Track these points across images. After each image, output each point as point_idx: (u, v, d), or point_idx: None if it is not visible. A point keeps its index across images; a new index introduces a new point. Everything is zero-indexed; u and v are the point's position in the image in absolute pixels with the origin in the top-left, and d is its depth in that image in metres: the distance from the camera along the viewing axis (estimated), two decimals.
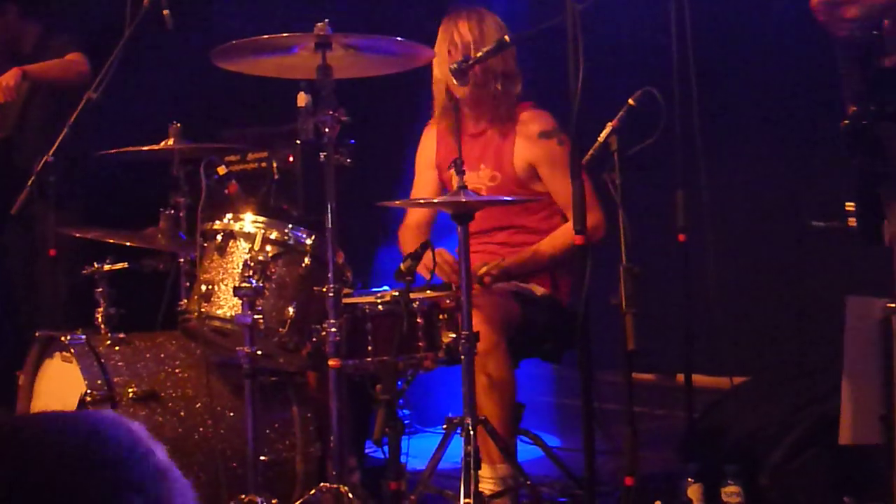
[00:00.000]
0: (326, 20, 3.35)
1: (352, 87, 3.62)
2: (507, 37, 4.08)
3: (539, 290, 4.31)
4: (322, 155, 3.37)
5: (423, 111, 4.58)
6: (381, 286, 3.96)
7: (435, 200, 4.00)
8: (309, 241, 3.66)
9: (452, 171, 3.67)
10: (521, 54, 4.43)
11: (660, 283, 3.95)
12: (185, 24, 4.59)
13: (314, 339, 3.57)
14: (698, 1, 3.87)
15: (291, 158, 4.74)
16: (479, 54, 4.06)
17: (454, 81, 4.16)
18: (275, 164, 4.74)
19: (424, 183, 4.64)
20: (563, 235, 4.26)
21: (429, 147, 4.61)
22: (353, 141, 3.44)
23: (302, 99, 3.40)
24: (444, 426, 3.66)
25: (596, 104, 3.58)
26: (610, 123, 3.66)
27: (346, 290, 3.57)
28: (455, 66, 4.06)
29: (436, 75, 4.40)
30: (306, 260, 3.64)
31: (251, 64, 3.63)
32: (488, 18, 4.33)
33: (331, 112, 3.35)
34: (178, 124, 3.99)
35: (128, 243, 4.06)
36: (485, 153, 4.38)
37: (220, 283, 3.62)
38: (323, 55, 3.37)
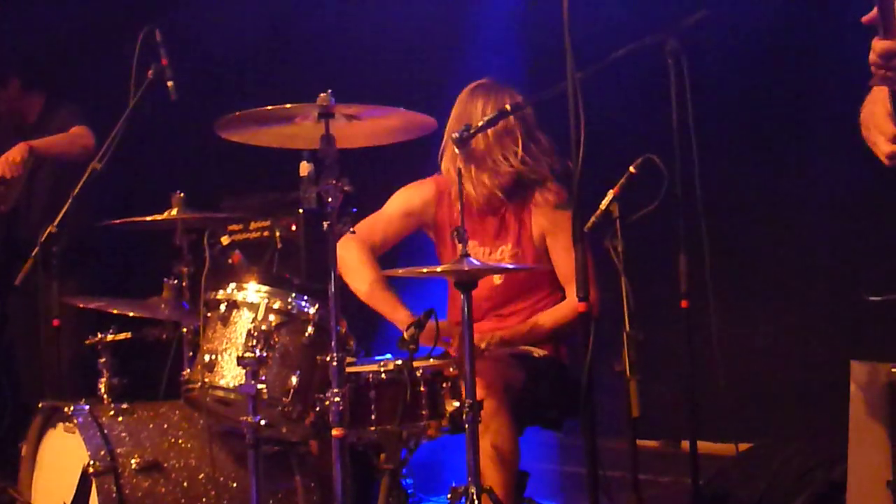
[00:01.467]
0: (329, 91, 3.37)
1: (354, 155, 3.63)
2: (507, 105, 4.11)
3: (538, 353, 4.30)
4: (325, 224, 3.38)
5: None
6: (384, 355, 3.95)
7: (438, 269, 4.00)
8: (312, 310, 3.66)
9: (455, 239, 3.66)
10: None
11: (663, 350, 3.95)
12: (189, 94, 4.63)
13: (317, 409, 3.57)
14: (698, 65, 3.90)
15: (294, 227, 4.75)
16: (480, 123, 4.09)
17: (456, 151, 4.18)
18: (277, 233, 4.76)
19: (392, 223, 4.55)
20: (563, 308, 4.27)
21: (422, 199, 4.54)
22: (355, 209, 3.44)
23: (304, 168, 3.42)
24: (449, 495, 3.63)
25: (597, 172, 3.60)
26: (611, 191, 3.68)
27: (349, 359, 3.57)
28: (456, 135, 4.08)
29: (449, 149, 4.35)
30: (309, 329, 3.64)
31: (254, 134, 3.65)
32: (506, 98, 4.28)
33: (334, 181, 3.36)
34: (181, 194, 4.01)
35: (131, 313, 4.07)
36: (504, 231, 4.39)
37: (224, 353, 3.62)
38: (326, 125, 3.39)
